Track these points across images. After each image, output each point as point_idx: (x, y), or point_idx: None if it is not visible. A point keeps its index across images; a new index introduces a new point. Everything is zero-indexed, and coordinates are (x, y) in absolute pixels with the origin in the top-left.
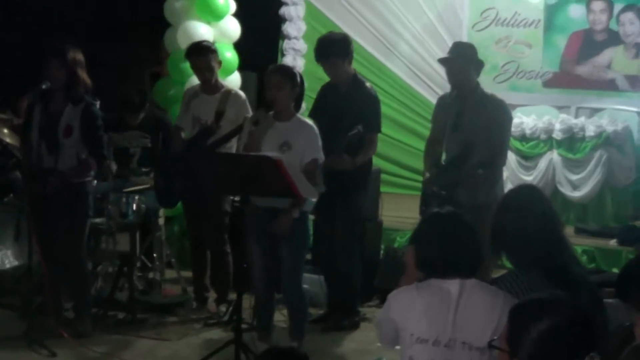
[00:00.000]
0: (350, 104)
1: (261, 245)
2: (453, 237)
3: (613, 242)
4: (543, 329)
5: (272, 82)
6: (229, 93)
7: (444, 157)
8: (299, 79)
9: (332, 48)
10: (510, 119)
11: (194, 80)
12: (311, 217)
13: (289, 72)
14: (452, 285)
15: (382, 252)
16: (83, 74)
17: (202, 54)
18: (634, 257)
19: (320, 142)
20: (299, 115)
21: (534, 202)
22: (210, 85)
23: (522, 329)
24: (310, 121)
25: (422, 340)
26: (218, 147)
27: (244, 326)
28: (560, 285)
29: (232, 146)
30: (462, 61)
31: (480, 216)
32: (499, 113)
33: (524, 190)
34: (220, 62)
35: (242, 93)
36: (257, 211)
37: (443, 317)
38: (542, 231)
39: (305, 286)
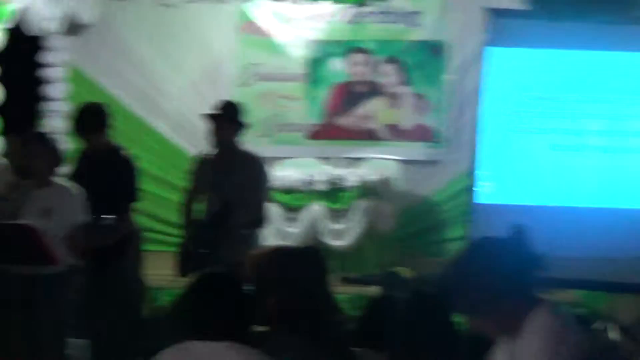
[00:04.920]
0: (107, 173)
1: (16, 313)
2: (219, 299)
3: (374, 289)
4: None
5: (29, 150)
6: None
7: (202, 214)
8: (56, 144)
9: (87, 122)
10: (266, 176)
11: None
12: None
13: (45, 139)
14: (203, 346)
15: (146, 311)
16: None
17: None
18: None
19: (82, 207)
20: (59, 180)
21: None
22: None
23: None
24: (70, 185)
25: None
26: None
27: None
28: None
29: None
30: (226, 120)
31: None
32: (256, 171)
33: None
34: None
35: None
36: (13, 277)
37: None
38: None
39: (70, 351)
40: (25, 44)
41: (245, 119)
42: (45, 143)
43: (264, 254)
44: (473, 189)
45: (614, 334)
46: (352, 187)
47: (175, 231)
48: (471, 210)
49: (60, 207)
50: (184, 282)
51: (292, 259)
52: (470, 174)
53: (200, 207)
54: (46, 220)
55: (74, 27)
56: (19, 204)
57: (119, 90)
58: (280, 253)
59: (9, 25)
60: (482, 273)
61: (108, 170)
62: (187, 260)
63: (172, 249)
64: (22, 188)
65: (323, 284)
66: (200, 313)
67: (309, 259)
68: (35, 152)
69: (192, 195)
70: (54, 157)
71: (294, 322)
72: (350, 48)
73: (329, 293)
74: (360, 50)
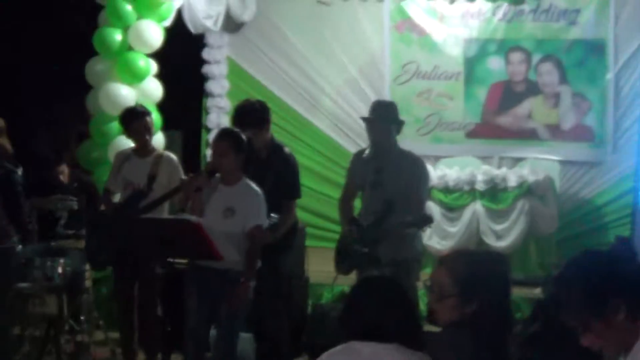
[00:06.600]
0: (270, 170)
1: (202, 305)
2: (388, 302)
3: (538, 291)
4: None
5: (217, 148)
6: (161, 156)
7: (358, 212)
8: (245, 143)
9: (249, 119)
10: (427, 175)
11: (118, 142)
12: None
13: (234, 137)
14: (366, 347)
15: (309, 308)
16: (3, 141)
17: (139, 118)
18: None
19: (264, 208)
20: (246, 180)
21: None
22: (145, 148)
23: None
24: (256, 186)
25: None
26: (150, 211)
27: None
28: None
29: (164, 210)
30: (383, 121)
31: (401, 272)
32: (417, 170)
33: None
34: (153, 124)
35: (174, 156)
36: (204, 271)
37: None
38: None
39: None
40: (186, 41)
41: (401, 117)
42: (233, 142)
43: (455, 255)
44: (637, 190)
45: None
46: (513, 187)
47: (335, 227)
48: (635, 212)
49: (243, 207)
50: (344, 279)
51: (485, 262)
52: (633, 175)
53: (357, 205)
54: (228, 219)
55: (232, 24)
56: (203, 201)
57: (278, 86)
58: (472, 255)
59: (169, 23)
60: (586, 285)
61: (270, 167)
62: (345, 258)
63: (333, 245)
64: (206, 186)
65: (508, 288)
66: (370, 316)
67: (498, 262)
68: (222, 151)
69: (349, 192)
70: (242, 155)
71: (471, 323)
72: (507, 46)
73: (510, 298)
74: (518, 48)
